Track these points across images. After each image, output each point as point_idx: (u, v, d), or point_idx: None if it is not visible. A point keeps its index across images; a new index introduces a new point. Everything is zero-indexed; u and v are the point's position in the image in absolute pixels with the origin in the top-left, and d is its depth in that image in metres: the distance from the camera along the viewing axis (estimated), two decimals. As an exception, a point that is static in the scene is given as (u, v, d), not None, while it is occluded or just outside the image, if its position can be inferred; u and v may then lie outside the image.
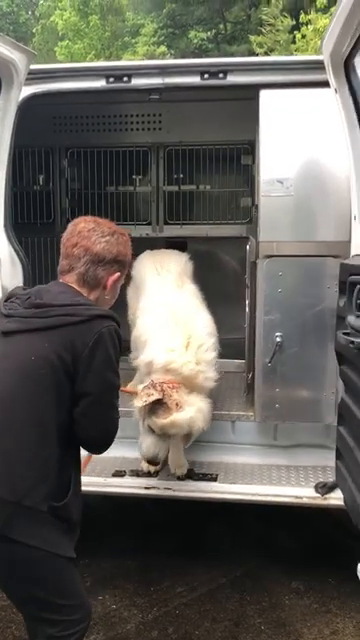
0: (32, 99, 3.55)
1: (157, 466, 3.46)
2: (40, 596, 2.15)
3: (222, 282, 5.02)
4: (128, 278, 4.21)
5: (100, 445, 2.28)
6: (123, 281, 2.44)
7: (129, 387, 3.62)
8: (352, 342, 2.48)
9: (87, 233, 2.28)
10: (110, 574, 3.69)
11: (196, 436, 3.24)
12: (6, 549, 2.04)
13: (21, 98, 3.37)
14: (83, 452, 2.33)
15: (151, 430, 3.16)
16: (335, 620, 3.30)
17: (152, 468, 3.52)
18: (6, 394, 2.10)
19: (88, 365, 2.10)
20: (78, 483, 2.27)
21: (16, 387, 2.10)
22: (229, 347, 4.18)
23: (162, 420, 3.07)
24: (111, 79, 3.55)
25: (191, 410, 3.10)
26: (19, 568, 2.08)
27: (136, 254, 4.42)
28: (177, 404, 3.07)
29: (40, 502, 2.06)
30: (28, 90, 3.45)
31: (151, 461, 3.25)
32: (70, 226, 2.37)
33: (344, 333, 2.65)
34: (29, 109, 3.51)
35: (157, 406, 3.10)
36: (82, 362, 2.09)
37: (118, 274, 2.32)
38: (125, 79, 3.55)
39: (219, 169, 5.05)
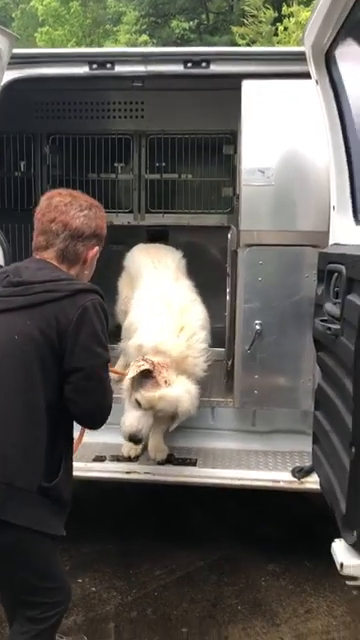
0: (14, 84, 3.54)
1: (138, 448, 3.53)
2: (25, 578, 2.16)
3: (204, 272, 5.02)
4: (121, 268, 4.27)
5: (95, 420, 2.26)
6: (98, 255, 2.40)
7: (117, 368, 3.70)
8: (329, 328, 2.53)
9: (64, 207, 2.21)
10: (90, 558, 3.73)
11: (182, 419, 3.24)
12: None
13: (3, 83, 3.37)
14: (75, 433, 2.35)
15: (137, 405, 3.16)
16: (309, 600, 3.39)
17: (132, 452, 3.57)
18: None
19: (75, 340, 2.07)
20: (69, 463, 2.26)
21: (0, 367, 2.08)
22: (211, 336, 4.25)
23: (150, 393, 3.10)
24: (94, 65, 3.55)
25: (179, 389, 3.13)
26: (7, 550, 2.08)
27: (118, 242, 4.52)
28: (166, 381, 3.12)
29: (31, 483, 2.05)
30: (10, 75, 3.44)
31: (132, 437, 3.19)
32: (44, 200, 2.28)
33: (321, 320, 2.70)
34: (11, 94, 3.50)
35: (146, 381, 3.13)
36: (68, 337, 2.06)
37: (97, 248, 2.30)
38: (108, 66, 3.56)
39: (201, 158, 5.09)
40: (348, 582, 2.31)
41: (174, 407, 3.14)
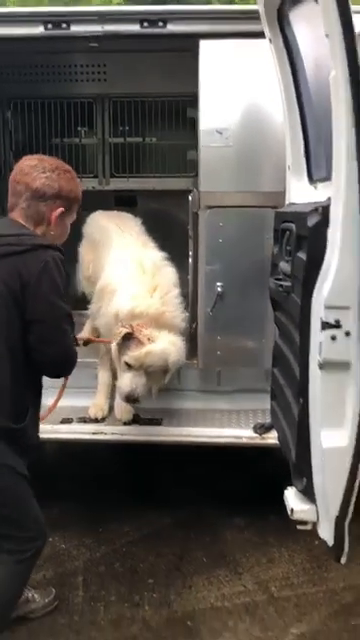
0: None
1: (105, 410, 3.67)
2: None
3: (170, 236, 5.04)
4: (80, 235, 4.26)
5: (62, 368, 2.45)
6: (74, 217, 2.49)
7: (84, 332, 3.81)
8: (281, 286, 2.60)
9: (28, 170, 2.36)
10: (59, 518, 3.80)
11: (173, 370, 3.30)
12: None
13: None
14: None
15: (128, 367, 3.22)
16: (272, 550, 3.53)
17: (99, 414, 3.66)
18: None
19: (36, 292, 2.21)
20: (36, 415, 2.45)
21: None
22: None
23: (137, 352, 3.17)
24: (49, 25, 3.48)
25: (164, 342, 3.20)
26: None
27: (84, 208, 4.49)
28: (148, 338, 3.19)
29: None
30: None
31: (129, 397, 3.27)
32: (16, 164, 2.44)
33: (275, 279, 2.76)
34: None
35: (130, 343, 3.19)
36: (30, 290, 2.20)
37: (61, 209, 2.36)
38: (64, 26, 3.49)
39: (165, 122, 5.04)
40: (299, 527, 2.42)
41: (163, 360, 3.19)
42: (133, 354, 3.19)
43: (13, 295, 2.21)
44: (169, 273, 3.60)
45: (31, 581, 3.15)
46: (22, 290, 2.21)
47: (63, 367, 2.45)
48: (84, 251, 4.16)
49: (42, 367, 2.38)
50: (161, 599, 3.12)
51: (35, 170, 2.34)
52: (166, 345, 3.21)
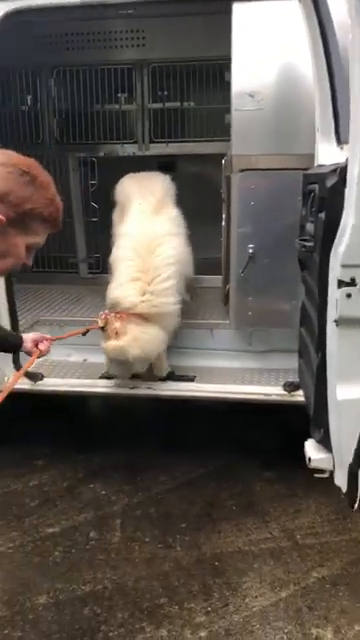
0: (11, 16, 3.59)
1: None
2: None
3: (208, 200, 5.14)
4: (113, 202, 4.40)
5: None
6: (38, 243, 1.73)
7: None
8: (304, 246, 2.68)
9: None
10: (100, 467, 4.08)
11: (140, 362, 3.55)
12: None
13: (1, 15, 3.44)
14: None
15: None
16: (299, 502, 3.68)
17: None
18: None
19: None
20: None
21: None
22: (213, 264, 4.42)
23: (103, 345, 3.47)
24: (88, -7, 3.57)
25: (125, 339, 3.40)
26: None
27: (124, 172, 4.64)
28: (116, 332, 3.40)
29: None
30: (4, 7, 3.50)
31: (108, 376, 3.69)
32: None
33: (300, 239, 2.84)
34: (11, 27, 3.55)
35: (105, 334, 3.44)
36: None
37: (1, 217, 1.61)
38: (102, -7, 3.58)
39: (202, 86, 5.08)
40: (316, 475, 2.57)
41: (123, 355, 3.42)
42: (102, 345, 3.49)
43: None
44: (168, 249, 3.68)
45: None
46: None
47: None
48: (114, 219, 4.28)
49: None
50: (192, 542, 3.34)
51: None
52: (124, 342, 3.39)
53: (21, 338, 2.62)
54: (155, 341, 3.53)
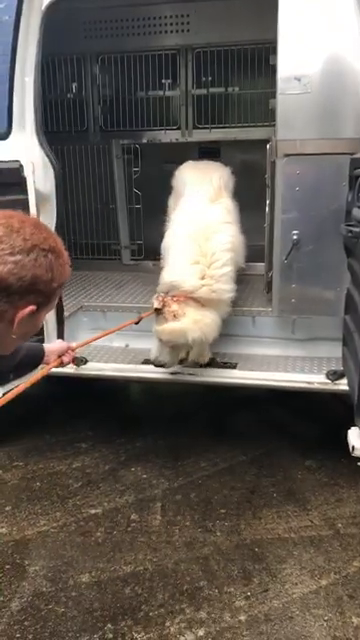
0: (59, 3, 3.62)
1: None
2: None
3: (252, 187, 5.09)
4: (170, 188, 4.40)
5: None
6: (53, 306, 1.77)
7: None
8: (350, 232, 2.64)
9: None
10: (142, 451, 4.13)
11: (201, 346, 3.50)
12: None
13: (47, 2, 3.48)
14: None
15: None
16: (341, 491, 3.66)
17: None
18: None
19: None
20: None
21: None
22: (255, 252, 4.39)
23: (159, 327, 3.38)
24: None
25: (186, 321, 3.36)
26: None
27: (168, 161, 4.64)
28: (175, 315, 3.36)
29: None
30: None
31: (154, 363, 3.56)
32: None
33: (347, 225, 2.80)
34: (57, 14, 3.59)
35: (161, 316, 3.40)
36: None
37: (32, 308, 1.60)
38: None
39: (247, 70, 5.02)
40: (359, 463, 2.54)
41: (183, 337, 3.36)
42: (157, 329, 3.40)
43: None
44: (223, 237, 3.65)
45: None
46: None
47: None
48: (170, 205, 4.28)
49: None
50: (232, 527, 3.36)
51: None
52: (185, 325, 3.34)
53: (43, 351, 2.37)
54: (214, 325, 3.49)
